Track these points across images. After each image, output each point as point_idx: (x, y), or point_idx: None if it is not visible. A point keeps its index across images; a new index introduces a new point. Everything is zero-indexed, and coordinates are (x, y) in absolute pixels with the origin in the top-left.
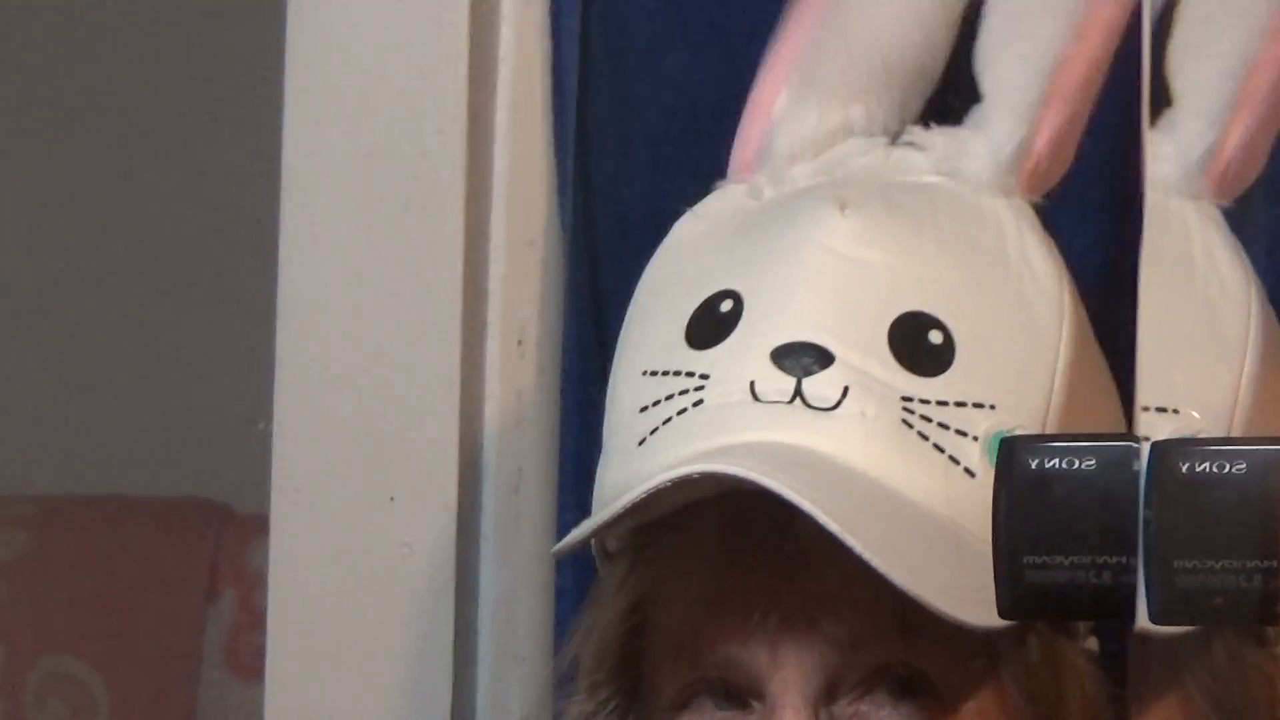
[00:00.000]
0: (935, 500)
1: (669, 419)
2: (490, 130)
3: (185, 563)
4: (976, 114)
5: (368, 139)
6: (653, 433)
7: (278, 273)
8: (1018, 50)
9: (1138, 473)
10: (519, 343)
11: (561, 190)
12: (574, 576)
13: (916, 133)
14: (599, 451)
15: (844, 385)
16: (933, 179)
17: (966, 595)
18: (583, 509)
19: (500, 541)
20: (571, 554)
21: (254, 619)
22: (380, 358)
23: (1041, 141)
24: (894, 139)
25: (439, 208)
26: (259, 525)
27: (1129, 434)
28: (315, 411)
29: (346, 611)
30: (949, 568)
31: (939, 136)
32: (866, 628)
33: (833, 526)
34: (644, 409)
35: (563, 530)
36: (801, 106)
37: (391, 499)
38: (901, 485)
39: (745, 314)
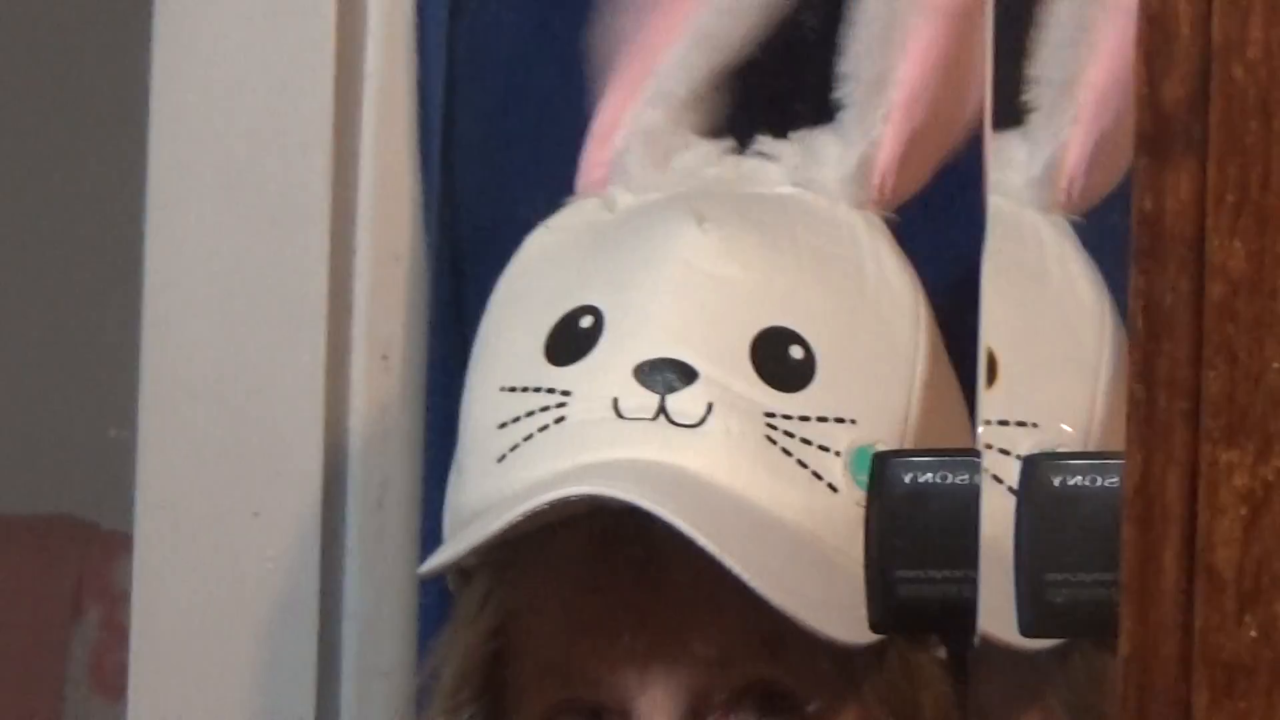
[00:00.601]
0: (800, 516)
1: (530, 436)
2: (356, 145)
3: (49, 580)
4: (839, 118)
5: (234, 152)
6: (513, 449)
7: (142, 287)
8: (862, 66)
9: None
10: (384, 357)
11: (427, 205)
12: (438, 592)
13: (766, 141)
14: None
15: (708, 402)
16: (786, 190)
17: (833, 611)
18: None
19: (364, 557)
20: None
21: (118, 636)
22: (245, 373)
23: (885, 157)
24: (744, 147)
25: (305, 222)
26: (123, 542)
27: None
28: (179, 427)
29: (210, 627)
30: (816, 584)
31: (789, 145)
32: (733, 646)
33: (708, 545)
34: (503, 425)
35: (427, 545)
36: (647, 116)
37: (256, 514)
38: (766, 501)
39: (606, 330)
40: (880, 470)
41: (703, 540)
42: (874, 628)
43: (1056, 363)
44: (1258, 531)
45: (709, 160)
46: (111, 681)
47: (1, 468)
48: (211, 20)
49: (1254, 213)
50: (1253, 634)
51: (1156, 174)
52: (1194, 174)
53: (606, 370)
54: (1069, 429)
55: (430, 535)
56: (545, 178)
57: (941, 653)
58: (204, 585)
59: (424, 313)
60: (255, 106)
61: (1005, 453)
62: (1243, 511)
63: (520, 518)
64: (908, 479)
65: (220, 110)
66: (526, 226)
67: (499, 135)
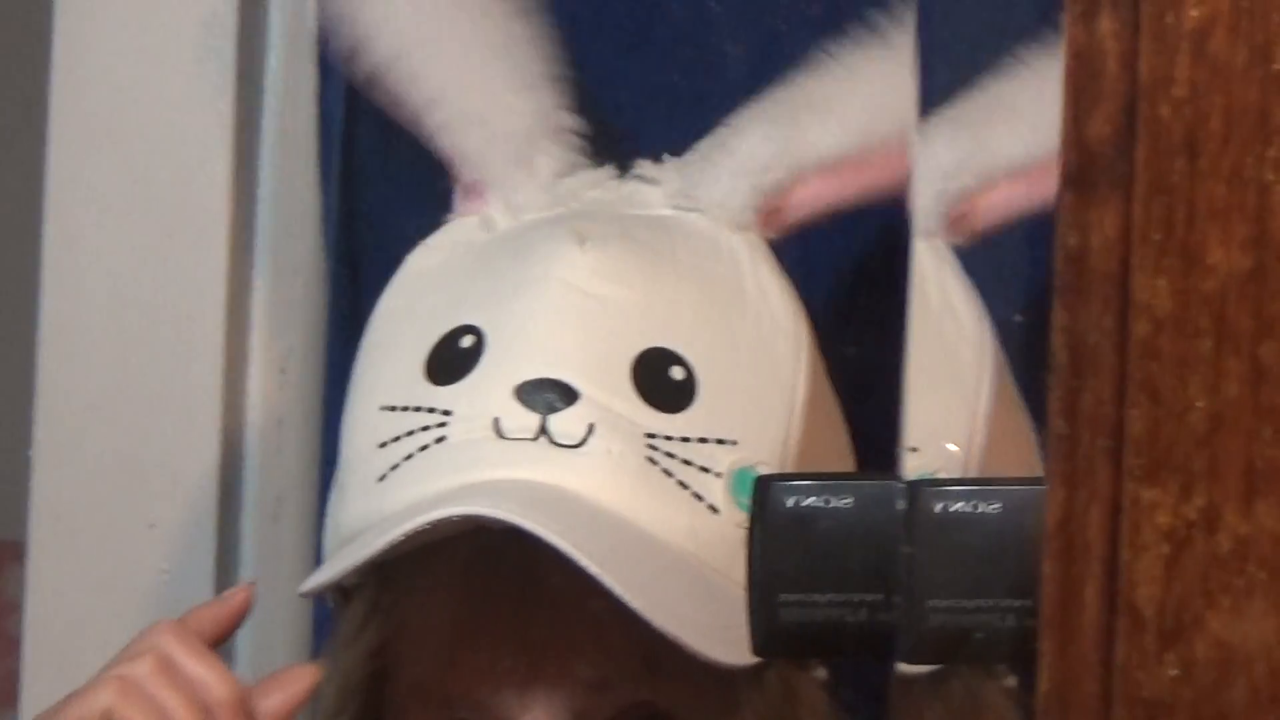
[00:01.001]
0: (681, 537)
1: (410, 455)
2: (256, 157)
3: None
4: (721, 136)
5: (132, 165)
6: (393, 469)
7: (40, 296)
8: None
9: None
10: (282, 371)
11: (326, 219)
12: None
13: (646, 165)
14: None
15: (589, 422)
16: (668, 212)
17: (715, 633)
18: None
19: (259, 569)
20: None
21: (7, 645)
22: (141, 384)
23: (782, 197)
24: (622, 171)
25: (203, 235)
26: (13, 551)
27: (887, 472)
28: (75, 438)
29: (104, 639)
30: (697, 605)
31: (670, 170)
32: (613, 668)
33: (587, 564)
34: (383, 444)
35: (322, 559)
36: (521, 134)
37: (151, 526)
38: (647, 523)
39: (487, 350)
40: (763, 494)
41: (582, 559)
42: (757, 652)
43: (936, 387)
44: (1179, 570)
45: (589, 183)
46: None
47: None
48: (111, 31)
49: (1179, 251)
50: (1173, 672)
51: (1082, 210)
52: (1119, 211)
53: (487, 390)
54: (954, 449)
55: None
56: (445, 193)
57: (821, 673)
58: (98, 597)
59: (322, 326)
60: (155, 120)
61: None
62: (1164, 550)
63: (401, 537)
64: (790, 503)
65: (119, 124)
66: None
67: (400, 150)
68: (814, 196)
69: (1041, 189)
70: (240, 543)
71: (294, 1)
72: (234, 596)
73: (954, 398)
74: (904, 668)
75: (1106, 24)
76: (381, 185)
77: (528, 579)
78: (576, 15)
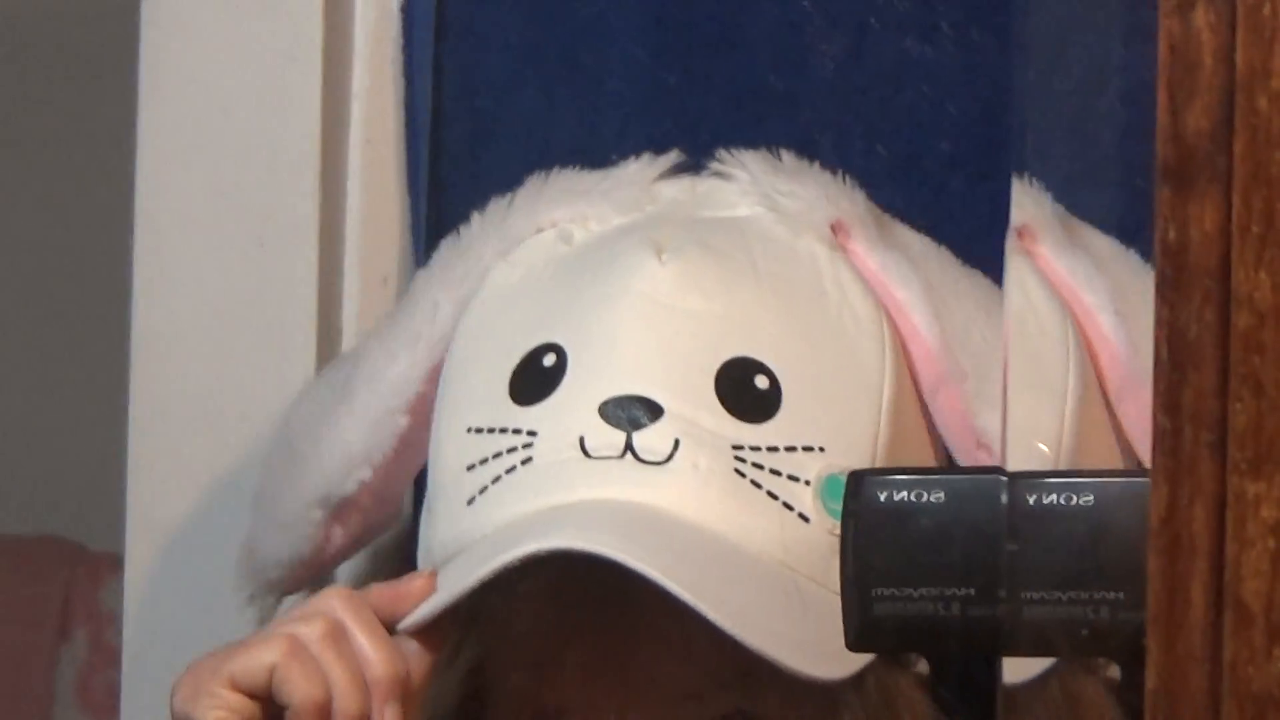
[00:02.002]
0: (773, 548)
1: (498, 478)
2: (344, 167)
3: (37, 601)
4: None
5: (222, 176)
6: (482, 492)
7: (131, 309)
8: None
9: (993, 505)
10: None
11: (415, 228)
12: None
13: (724, 156)
14: None
15: (674, 438)
16: (744, 212)
17: (811, 647)
18: None
19: (351, 578)
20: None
21: (106, 657)
22: (235, 394)
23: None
24: (698, 165)
25: (293, 244)
26: (110, 563)
27: (976, 467)
28: (169, 449)
29: (202, 649)
30: (792, 620)
31: (748, 162)
32: (708, 679)
33: (683, 594)
34: (471, 467)
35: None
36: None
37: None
38: (738, 536)
39: (570, 368)
40: (856, 488)
41: (674, 587)
42: (851, 647)
43: (1024, 387)
44: None
45: (664, 183)
46: (99, 701)
47: None
48: (198, 44)
49: (1279, 243)
50: None
51: (1180, 205)
52: (1218, 205)
53: (571, 409)
54: (1044, 448)
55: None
56: None
57: (923, 667)
58: (194, 608)
59: None
60: (242, 129)
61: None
62: (1270, 544)
63: (490, 575)
64: (883, 497)
65: (208, 134)
66: None
67: (487, 157)
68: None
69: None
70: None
71: (378, 11)
72: (414, 580)
73: (1041, 398)
74: (1008, 671)
75: (1202, 16)
76: (468, 193)
77: (617, 592)
78: (662, 16)
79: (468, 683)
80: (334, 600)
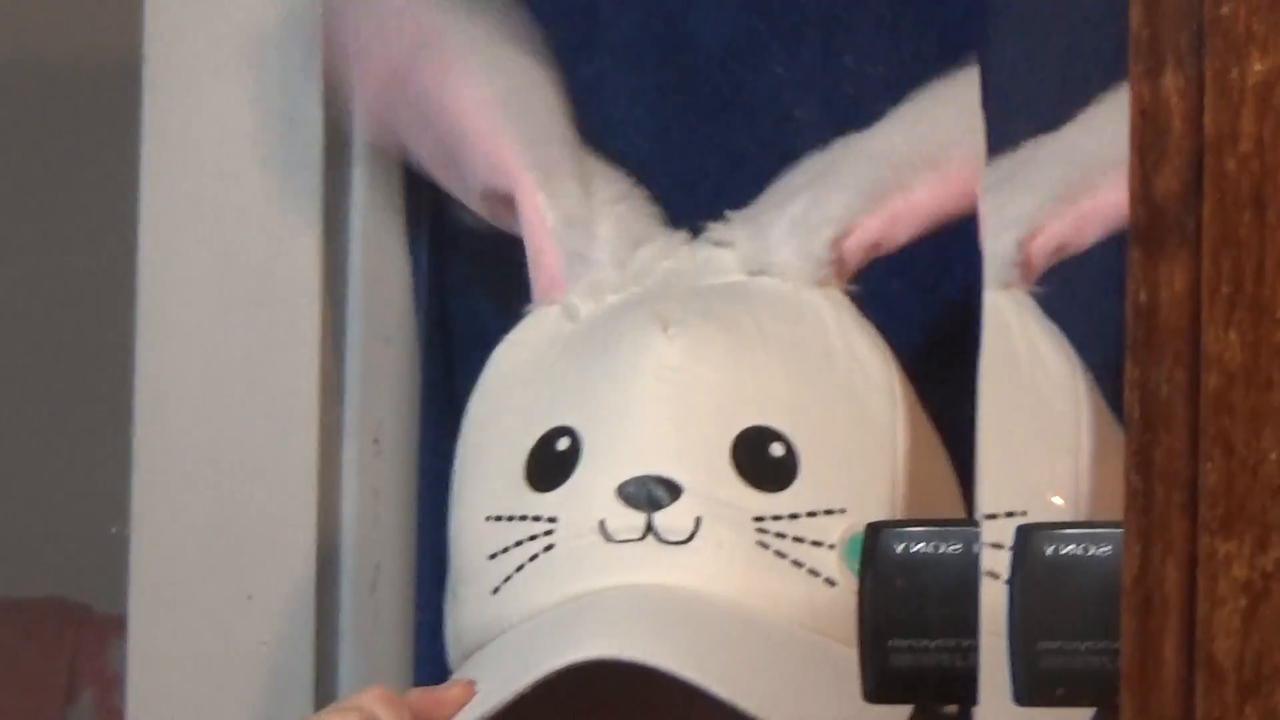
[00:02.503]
0: (802, 616)
1: (521, 566)
2: (346, 229)
3: (43, 663)
4: (778, 193)
5: (223, 237)
6: (506, 581)
7: (135, 371)
8: (871, 150)
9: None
10: (375, 441)
11: (417, 289)
12: (430, 676)
13: (716, 227)
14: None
15: (696, 516)
16: (744, 278)
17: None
18: (440, 609)
19: (358, 639)
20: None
21: (113, 719)
22: (237, 456)
23: (857, 244)
24: (691, 234)
25: (295, 306)
26: (117, 625)
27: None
28: (172, 510)
29: (205, 711)
30: (826, 695)
31: (739, 229)
32: None
33: (720, 691)
34: (493, 556)
35: (420, 628)
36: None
37: (249, 598)
38: (766, 609)
39: (585, 451)
40: (873, 541)
41: (711, 686)
42: (868, 698)
43: (1035, 445)
44: (1257, 622)
45: (661, 254)
46: None
47: None
48: (200, 106)
49: (1248, 304)
50: None
51: (1151, 266)
52: (1188, 266)
53: (590, 493)
54: (1059, 502)
55: (424, 619)
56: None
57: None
58: (198, 669)
59: (415, 395)
60: (244, 192)
61: (998, 547)
62: (1242, 602)
63: (529, 688)
64: (900, 549)
65: (210, 197)
66: (517, 312)
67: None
68: (870, 235)
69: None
70: (339, 613)
71: None
72: (452, 688)
73: (1054, 450)
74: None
75: (1171, 81)
76: (471, 253)
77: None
78: (662, 77)
79: None
80: (370, 698)
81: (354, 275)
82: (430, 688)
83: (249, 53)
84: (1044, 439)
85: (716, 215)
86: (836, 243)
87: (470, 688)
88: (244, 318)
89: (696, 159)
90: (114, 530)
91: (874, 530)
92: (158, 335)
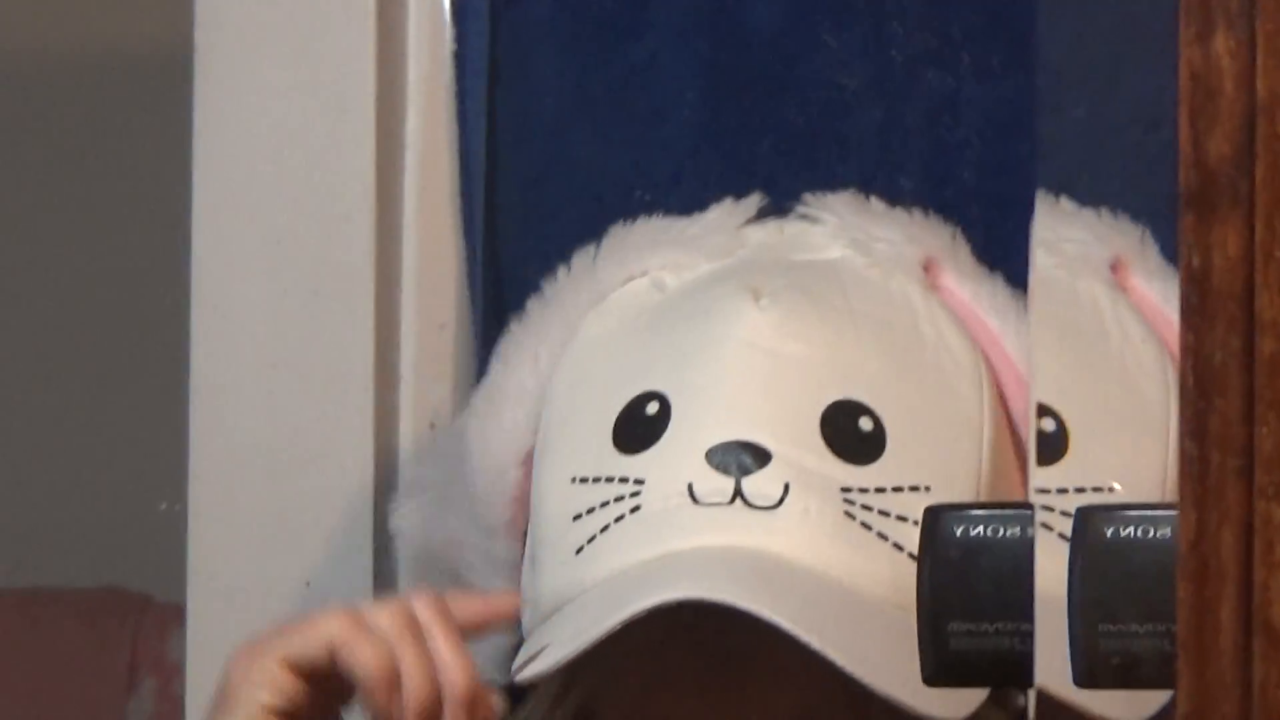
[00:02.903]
0: (885, 590)
1: (606, 527)
2: (399, 214)
3: (104, 653)
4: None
5: (277, 225)
6: (590, 541)
7: (189, 360)
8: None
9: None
10: (431, 426)
11: (471, 273)
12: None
13: (809, 200)
14: None
15: (784, 482)
16: (835, 254)
17: (922, 684)
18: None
19: None
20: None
21: (174, 707)
22: (293, 443)
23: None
24: (779, 209)
25: (349, 292)
26: (177, 614)
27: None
28: (229, 498)
29: None
30: (909, 660)
31: (835, 205)
32: (820, 702)
33: (812, 641)
34: (577, 517)
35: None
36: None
37: (307, 584)
38: (851, 579)
39: (674, 415)
40: (932, 524)
41: (802, 634)
42: (928, 681)
43: (1126, 429)
44: None
45: (753, 228)
46: None
47: (55, 542)
48: (251, 94)
49: None
50: None
51: (1203, 231)
52: (1241, 230)
53: (678, 456)
54: (1118, 487)
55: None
56: (587, 242)
57: (1021, 701)
58: None
59: (470, 380)
60: (297, 180)
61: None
62: None
63: (620, 625)
64: (959, 532)
65: (262, 184)
66: None
67: (541, 202)
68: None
69: None
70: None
71: (431, 57)
72: (500, 596)
73: (1143, 437)
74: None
75: (1222, 43)
76: (524, 237)
77: (727, 624)
78: (714, 59)
79: (577, 716)
80: (410, 597)
81: (407, 261)
82: (475, 593)
83: (301, 40)
84: (1135, 423)
85: (770, 196)
86: (928, 263)
87: (516, 596)
88: (298, 305)
89: (749, 139)
90: (163, 507)
91: (932, 513)
92: (211, 324)
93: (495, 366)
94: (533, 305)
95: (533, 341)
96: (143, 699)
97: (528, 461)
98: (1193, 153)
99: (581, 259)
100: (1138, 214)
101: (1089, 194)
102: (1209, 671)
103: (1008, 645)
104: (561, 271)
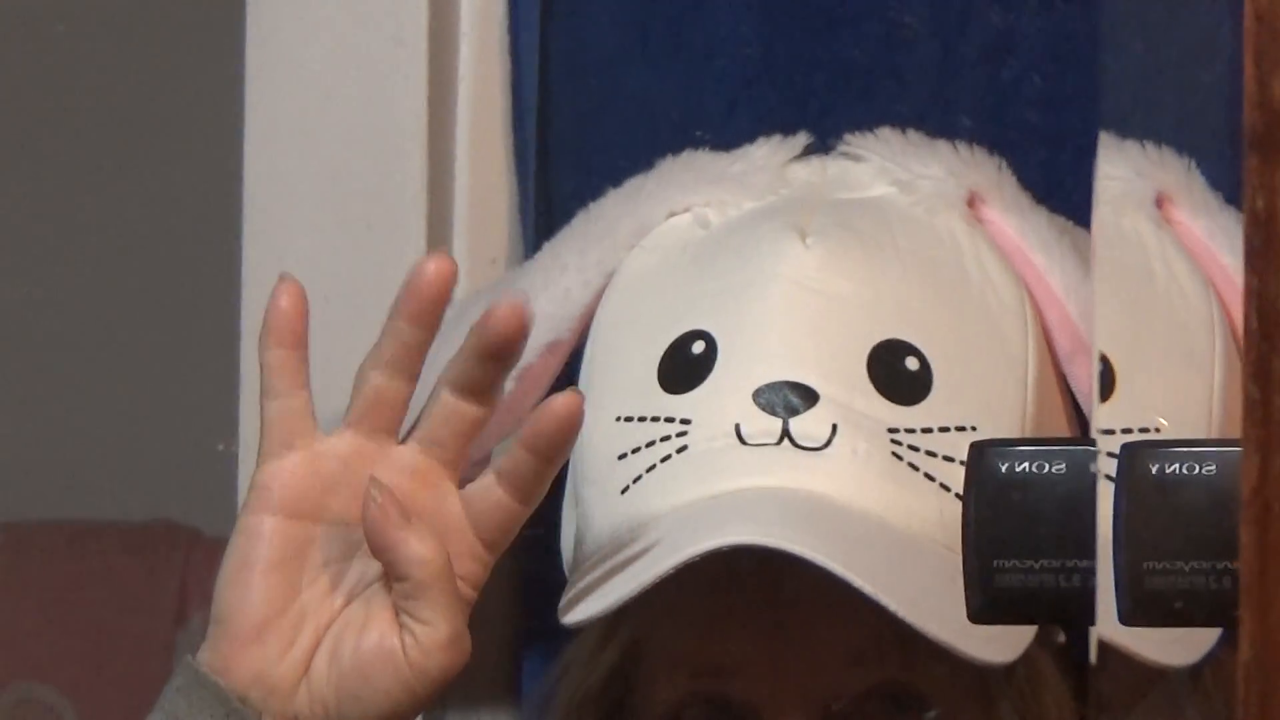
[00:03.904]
0: (933, 529)
1: (652, 466)
2: (451, 149)
3: (154, 587)
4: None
5: (328, 160)
6: (636, 481)
7: (241, 295)
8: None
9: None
10: None
11: (523, 209)
12: (540, 593)
13: (852, 139)
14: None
15: (832, 423)
16: (877, 192)
17: (975, 629)
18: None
19: None
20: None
21: None
22: (345, 380)
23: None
24: (823, 146)
25: (401, 227)
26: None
27: (1093, 438)
28: None
29: None
30: (956, 602)
31: (877, 142)
32: (867, 645)
33: (864, 585)
34: (622, 456)
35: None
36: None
37: None
38: (899, 519)
39: (720, 355)
40: (977, 460)
41: (855, 578)
42: (974, 619)
43: (1172, 366)
44: None
45: (796, 165)
46: None
47: (104, 475)
48: (303, 29)
49: None
50: None
51: (1268, 173)
52: None
53: (725, 396)
54: (1164, 423)
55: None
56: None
57: (1060, 638)
58: None
59: None
60: (349, 113)
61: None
62: None
63: (674, 569)
64: (1003, 468)
65: (314, 119)
66: None
67: (594, 136)
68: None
69: None
70: None
71: None
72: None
73: (1189, 373)
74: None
75: None
76: (576, 173)
77: (779, 564)
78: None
79: (621, 660)
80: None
81: (459, 196)
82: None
83: None
84: (1179, 361)
85: (824, 132)
86: (973, 200)
87: (578, 395)
88: (350, 240)
89: (803, 74)
90: (220, 448)
91: (978, 449)
92: (263, 259)
93: (523, 272)
94: (578, 220)
95: (572, 247)
96: (192, 633)
97: (524, 376)
98: (1258, 94)
99: (631, 185)
100: (1189, 149)
101: (1141, 129)
102: (1272, 616)
103: (1053, 582)
104: (610, 193)
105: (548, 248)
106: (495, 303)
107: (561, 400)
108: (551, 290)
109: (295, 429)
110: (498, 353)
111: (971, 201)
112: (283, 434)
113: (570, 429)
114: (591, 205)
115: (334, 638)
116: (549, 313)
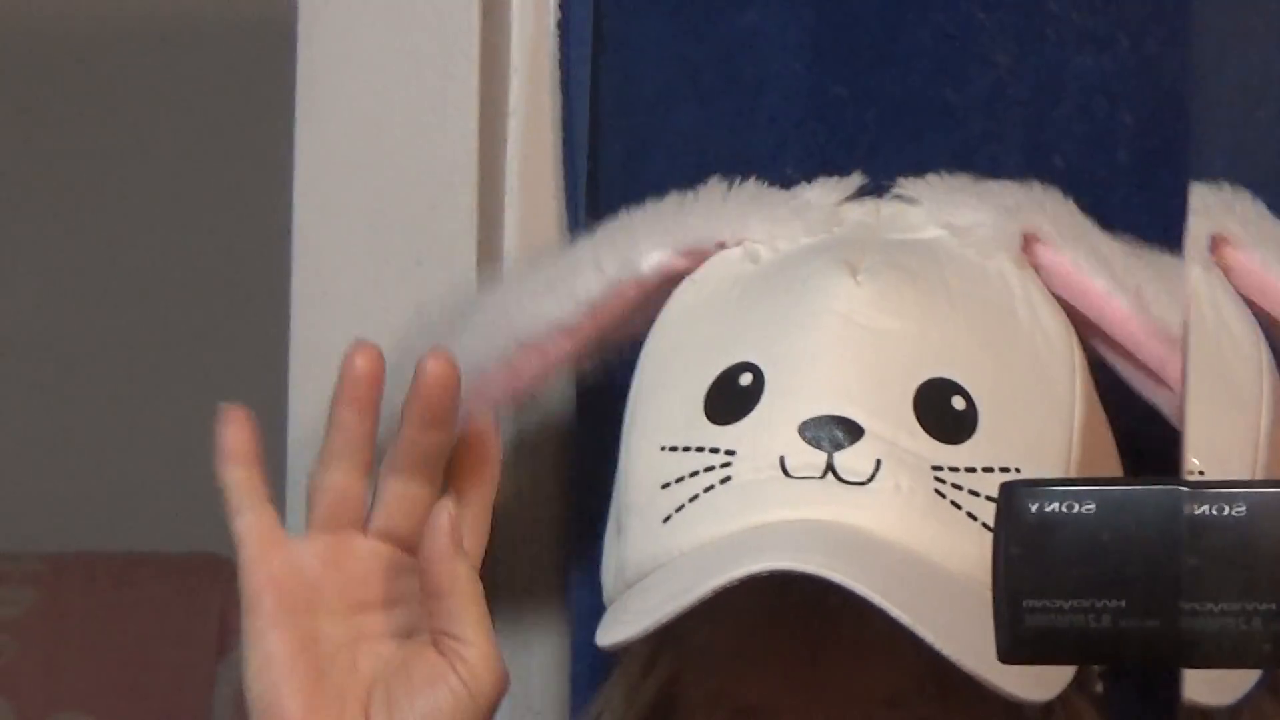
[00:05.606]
0: (973, 569)
1: (696, 496)
2: (501, 184)
3: (195, 618)
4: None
5: (379, 194)
6: (679, 510)
7: (290, 329)
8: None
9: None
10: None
11: (572, 230)
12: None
13: (905, 183)
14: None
15: (876, 458)
16: (932, 234)
17: (1014, 669)
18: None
19: (515, 587)
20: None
21: None
22: (397, 402)
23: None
24: (877, 188)
25: (451, 261)
26: None
27: (1127, 478)
28: None
29: None
30: (992, 638)
31: (928, 187)
32: (906, 684)
33: (902, 616)
34: (666, 485)
35: (572, 563)
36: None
37: None
38: (940, 557)
39: (767, 387)
40: (1008, 500)
41: (894, 610)
42: (1003, 659)
43: (1217, 406)
44: None
45: (850, 206)
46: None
47: (146, 507)
48: (354, 60)
49: None
50: None
51: None
52: None
53: (771, 428)
54: (1239, 470)
55: (578, 538)
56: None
57: (1098, 688)
58: None
59: None
60: (399, 147)
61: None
62: None
63: (711, 593)
64: (1034, 508)
65: (364, 152)
66: None
67: (644, 172)
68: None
69: None
70: (495, 564)
71: (535, 26)
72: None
73: (1235, 418)
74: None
75: None
76: (626, 205)
77: (817, 601)
78: (820, 28)
79: (660, 695)
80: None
81: (509, 230)
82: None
83: (405, 6)
84: (1225, 405)
85: (874, 170)
86: (1027, 241)
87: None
88: (399, 274)
89: (854, 112)
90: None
91: (1008, 490)
92: (313, 293)
93: (560, 258)
94: (614, 219)
95: (602, 247)
96: (233, 664)
97: (560, 336)
98: None
99: (672, 200)
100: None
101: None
102: None
103: (1083, 622)
104: (649, 202)
105: (587, 238)
106: (420, 361)
107: (429, 360)
108: (572, 280)
109: (272, 538)
110: (435, 414)
111: (1025, 242)
112: (262, 543)
113: (447, 385)
114: (623, 212)
115: (383, 690)
116: (563, 294)
